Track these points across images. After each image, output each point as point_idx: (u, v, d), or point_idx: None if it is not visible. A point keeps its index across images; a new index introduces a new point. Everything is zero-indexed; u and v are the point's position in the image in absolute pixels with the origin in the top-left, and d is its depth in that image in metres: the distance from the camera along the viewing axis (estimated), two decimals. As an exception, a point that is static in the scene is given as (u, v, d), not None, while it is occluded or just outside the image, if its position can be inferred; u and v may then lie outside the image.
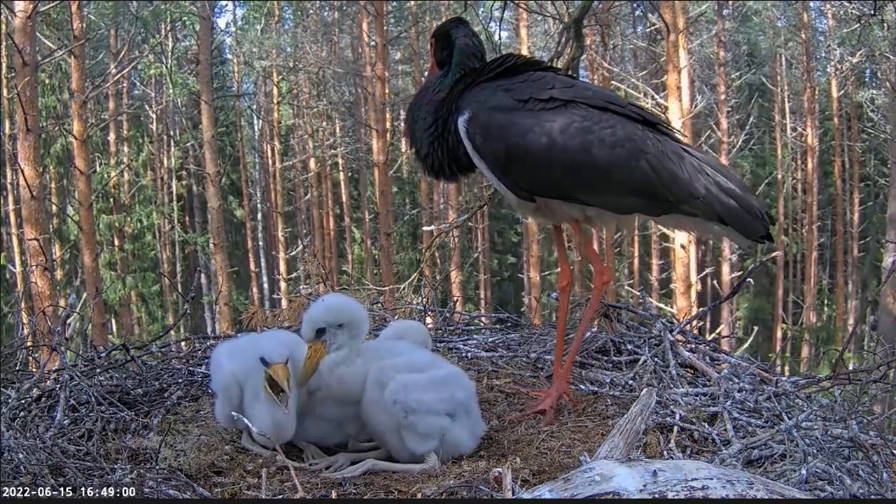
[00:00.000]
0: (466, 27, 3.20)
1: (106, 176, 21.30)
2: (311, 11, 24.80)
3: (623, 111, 3.01)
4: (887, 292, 10.51)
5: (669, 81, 13.67)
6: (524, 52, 18.09)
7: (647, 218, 3.16)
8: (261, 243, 27.52)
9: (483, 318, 4.83)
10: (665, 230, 16.95)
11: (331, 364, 2.73)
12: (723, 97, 21.85)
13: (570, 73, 6.48)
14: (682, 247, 14.59)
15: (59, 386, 3.22)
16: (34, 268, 7.27)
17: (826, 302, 27.31)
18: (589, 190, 2.97)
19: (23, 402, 3.17)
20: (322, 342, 2.73)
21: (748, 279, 4.51)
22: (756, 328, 23.69)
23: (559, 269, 3.40)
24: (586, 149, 2.90)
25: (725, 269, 20.81)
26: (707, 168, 3.02)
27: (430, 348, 3.14)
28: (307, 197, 26.38)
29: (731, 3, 21.96)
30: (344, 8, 23.69)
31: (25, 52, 7.40)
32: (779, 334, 24.18)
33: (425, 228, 21.06)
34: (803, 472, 2.40)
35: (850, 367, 3.94)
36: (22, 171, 7.39)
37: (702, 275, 17.41)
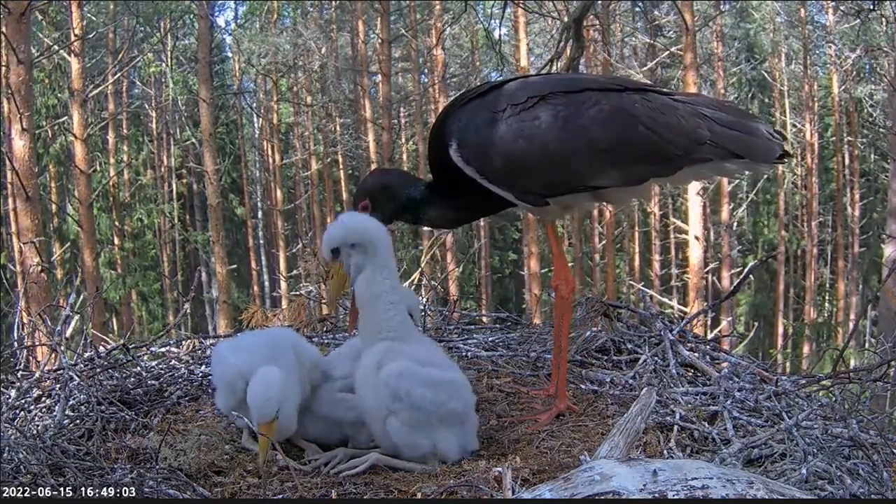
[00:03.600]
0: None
1: (106, 175, 21.28)
2: (310, 9, 24.78)
3: (602, 86, 2.94)
4: (888, 286, 10.50)
5: (687, 79, 13.87)
6: (523, 50, 18.08)
7: (663, 180, 3.03)
8: (261, 241, 27.55)
9: (483, 318, 4.82)
10: (680, 224, 17.00)
11: (359, 286, 2.72)
12: (722, 92, 21.82)
13: (569, 72, 6.47)
14: (696, 238, 14.74)
15: (59, 386, 3.23)
16: (30, 267, 7.21)
17: (827, 297, 27.32)
18: (596, 173, 2.87)
19: (23, 402, 3.18)
20: (339, 262, 2.73)
21: (749, 277, 4.49)
22: (757, 324, 23.71)
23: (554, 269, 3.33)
24: (580, 134, 2.82)
25: (726, 266, 20.80)
26: (703, 109, 2.91)
27: (417, 317, 3.04)
28: (308, 194, 26.39)
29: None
30: (344, 6, 23.70)
31: (20, 50, 7.32)
32: (780, 330, 24.21)
33: (426, 228, 21.02)
34: (803, 471, 2.40)
35: (852, 365, 3.94)
36: (17, 171, 7.29)
37: (706, 270, 17.48)
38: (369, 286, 2.71)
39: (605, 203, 3.09)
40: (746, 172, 3.08)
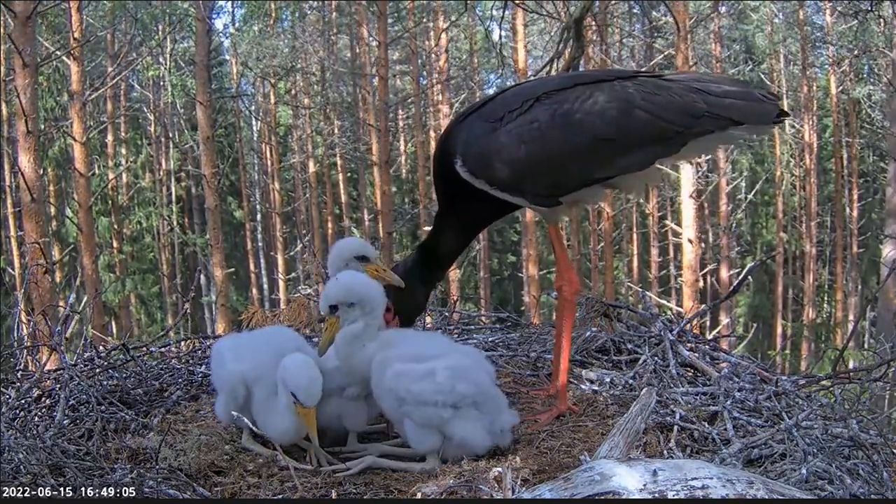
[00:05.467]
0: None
1: (105, 178, 21.27)
2: (308, 12, 24.77)
3: (593, 79, 2.96)
4: (888, 287, 10.52)
5: (679, 79, 13.87)
6: (521, 51, 18.10)
7: (669, 160, 3.05)
8: (260, 244, 27.51)
9: (483, 318, 4.82)
10: (675, 227, 17.00)
11: (343, 337, 2.75)
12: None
13: (568, 72, 6.47)
14: (690, 241, 14.72)
15: (59, 386, 3.23)
16: (34, 269, 7.20)
17: (826, 298, 27.32)
18: (602, 165, 2.90)
19: (23, 402, 3.17)
20: (336, 317, 2.75)
21: (748, 278, 4.49)
22: (756, 325, 23.70)
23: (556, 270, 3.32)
24: (579, 129, 2.84)
25: (724, 267, 20.81)
26: (695, 84, 2.94)
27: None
28: (306, 197, 26.37)
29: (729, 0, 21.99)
30: (342, 8, 23.71)
31: (26, 53, 7.28)
32: (779, 331, 24.21)
33: (426, 228, 21.06)
34: (803, 471, 2.40)
35: (851, 365, 3.94)
36: (22, 173, 7.26)
37: (704, 272, 17.48)
38: (352, 341, 2.76)
39: (615, 191, 3.09)
40: (748, 137, 3.10)
